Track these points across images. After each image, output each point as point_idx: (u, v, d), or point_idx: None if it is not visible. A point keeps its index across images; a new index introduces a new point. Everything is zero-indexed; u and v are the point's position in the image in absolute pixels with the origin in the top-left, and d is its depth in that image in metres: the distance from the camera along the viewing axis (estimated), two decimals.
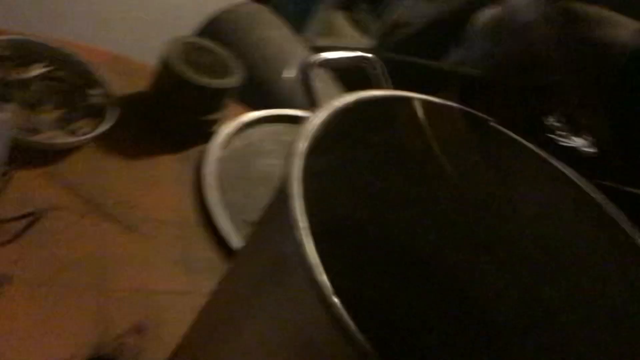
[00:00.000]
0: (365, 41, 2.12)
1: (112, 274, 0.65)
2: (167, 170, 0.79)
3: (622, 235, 0.47)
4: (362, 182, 0.53)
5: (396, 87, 0.51)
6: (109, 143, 0.77)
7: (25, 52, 0.78)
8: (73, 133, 0.74)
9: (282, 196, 0.36)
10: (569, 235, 0.50)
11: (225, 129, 0.84)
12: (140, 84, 0.86)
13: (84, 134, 0.74)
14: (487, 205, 0.52)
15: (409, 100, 0.49)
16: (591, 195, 0.48)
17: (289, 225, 0.34)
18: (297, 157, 0.37)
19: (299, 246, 0.33)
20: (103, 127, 0.75)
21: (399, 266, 0.57)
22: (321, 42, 1.96)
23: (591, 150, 0.70)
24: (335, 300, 0.31)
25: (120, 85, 0.83)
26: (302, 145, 0.38)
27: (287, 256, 0.36)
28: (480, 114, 0.51)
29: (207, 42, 0.85)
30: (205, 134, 0.84)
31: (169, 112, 0.81)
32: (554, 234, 0.51)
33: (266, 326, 0.39)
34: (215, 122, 0.84)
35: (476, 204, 0.52)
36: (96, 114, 0.77)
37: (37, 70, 0.77)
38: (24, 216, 0.63)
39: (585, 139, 0.70)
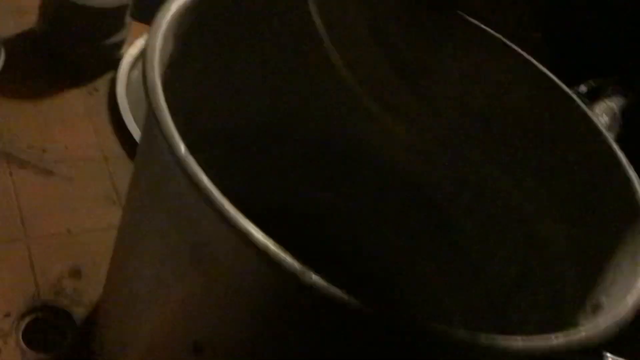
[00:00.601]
0: None
1: (37, 221, 0.61)
2: (77, 105, 0.73)
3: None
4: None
5: None
6: (8, 88, 0.70)
7: None
8: None
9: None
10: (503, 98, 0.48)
11: (131, 51, 0.78)
12: (29, 20, 0.78)
13: None
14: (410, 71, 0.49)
15: None
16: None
17: (152, 117, 0.30)
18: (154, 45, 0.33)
19: (160, 126, 0.29)
20: None
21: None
22: None
23: None
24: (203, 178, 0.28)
25: (7, 26, 0.76)
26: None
27: (158, 160, 0.33)
28: None
29: None
30: (110, 61, 0.78)
31: (65, 43, 0.74)
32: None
33: (156, 244, 0.36)
34: (118, 46, 0.78)
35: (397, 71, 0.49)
36: None
37: None
38: None
39: None
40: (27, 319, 0.55)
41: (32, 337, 0.54)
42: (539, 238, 0.45)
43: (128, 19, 0.77)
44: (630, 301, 0.31)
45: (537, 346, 0.28)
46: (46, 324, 0.55)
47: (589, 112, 0.44)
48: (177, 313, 0.36)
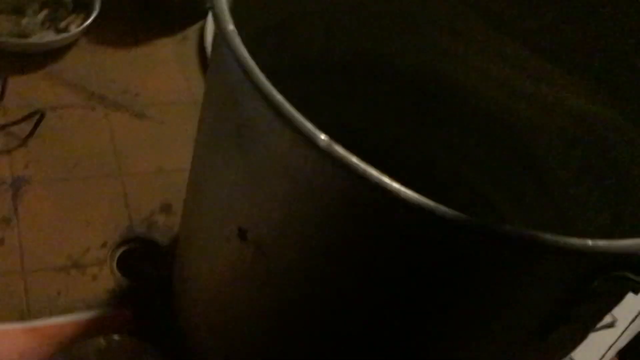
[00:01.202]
0: None
1: (129, 160, 0.64)
2: (167, 52, 0.76)
3: None
4: None
5: None
6: (103, 35, 0.74)
7: None
8: (63, 30, 0.71)
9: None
10: None
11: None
12: None
13: (75, 28, 0.71)
14: None
15: None
16: None
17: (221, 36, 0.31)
18: None
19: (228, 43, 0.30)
20: (91, 18, 0.71)
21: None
22: None
23: None
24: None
25: None
26: None
27: (230, 84, 0.34)
28: None
29: None
30: (200, 11, 0.80)
31: None
32: None
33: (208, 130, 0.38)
34: None
35: None
36: (82, 8, 0.74)
37: None
38: (27, 117, 0.62)
39: None
40: (121, 249, 0.58)
41: (126, 265, 0.57)
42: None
43: None
44: None
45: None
46: (139, 255, 0.58)
47: None
48: (224, 200, 0.38)
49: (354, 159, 0.27)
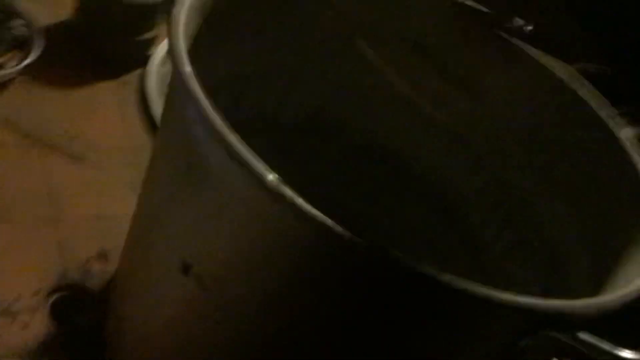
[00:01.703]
0: None
1: (67, 204, 0.63)
2: (107, 96, 0.75)
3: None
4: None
5: None
6: (42, 75, 0.73)
7: None
8: (0, 68, 0.70)
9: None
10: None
11: (163, 48, 0.81)
12: (65, 11, 0.81)
13: (12, 67, 0.69)
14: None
15: None
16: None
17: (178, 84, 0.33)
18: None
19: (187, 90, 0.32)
20: (31, 58, 0.70)
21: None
22: None
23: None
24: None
25: (44, 15, 0.78)
26: None
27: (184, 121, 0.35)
28: None
29: None
30: (142, 57, 0.80)
31: (100, 36, 0.77)
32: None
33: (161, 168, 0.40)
34: (150, 43, 0.80)
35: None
36: (22, 46, 0.73)
37: None
38: None
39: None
40: (54, 296, 0.56)
41: (58, 313, 0.55)
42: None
43: (160, 17, 0.80)
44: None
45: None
46: (72, 302, 0.57)
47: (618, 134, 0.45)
48: (170, 235, 0.40)
49: (299, 199, 0.29)
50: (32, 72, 0.72)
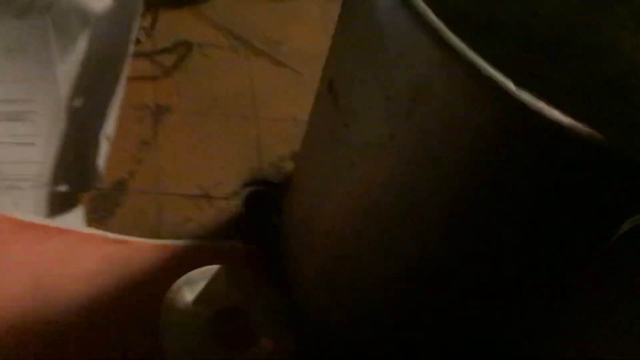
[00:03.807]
0: None
1: (266, 104, 0.64)
2: (312, 8, 0.76)
3: None
4: None
5: None
6: None
7: None
8: None
9: None
10: None
11: None
12: None
13: None
14: None
15: None
16: None
17: None
18: None
19: None
20: None
21: None
22: None
23: None
24: None
25: None
26: None
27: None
28: None
29: None
30: None
31: None
32: None
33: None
34: None
35: None
36: None
37: None
38: (175, 47, 0.63)
39: None
40: (248, 188, 0.58)
41: (251, 204, 0.57)
42: None
43: None
44: None
45: None
46: (264, 196, 0.58)
47: None
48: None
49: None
50: None
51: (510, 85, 0.26)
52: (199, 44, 0.67)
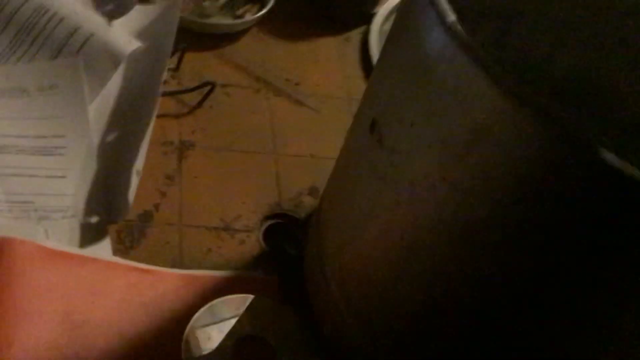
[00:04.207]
0: None
1: (285, 141, 0.67)
2: (329, 50, 0.79)
3: None
4: None
5: None
6: (273, 26, 0.78)
7: None
8: (239, 17, 0.76)
9: None
10: None
11: (384, 8, 0.82)
12: None
13: (249, 18, 0.75)
14: None
15: None
16: None
17: None
18: None
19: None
20: (265, 10, 0.76)
21: None
22: None
23: None
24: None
25: None
26: None
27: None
28: None
29: None
30: (365, 15, 0.82)
31: None
32: None
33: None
34: (375, 1, 0.82)
35: None
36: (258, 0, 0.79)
37: None
38: (198, 87, 0.66)
39: None
40: (268, 222, 0.60)
41: (270, 237, 0.59)
42: None
43: None
44: None
45: None
46: (283, 230, 0.60)
47: None
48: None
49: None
50: (265, 24, 0.78)
51: (590, 134, 0.27)
52: (222, 84, 0.70)
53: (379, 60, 0.45)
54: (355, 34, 0.82)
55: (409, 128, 0.37)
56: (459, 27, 0.30)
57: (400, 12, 0.41)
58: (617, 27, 0.47)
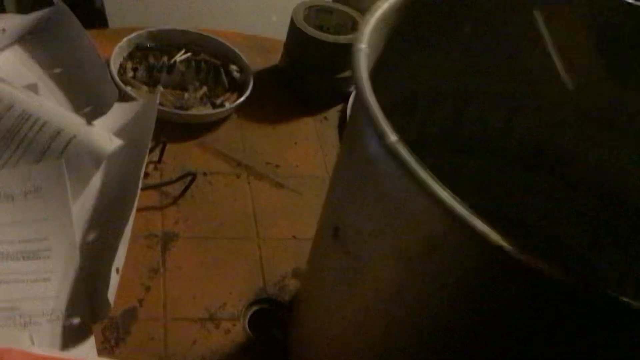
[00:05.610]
0: None
1: (267, 225, 0.68)
2: (308, 130, 0.81)
3: None
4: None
5: None
6: (251, 111, 0.81)
7: (166, 41, 0.84)
8: (219, 106, 0.78)
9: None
10: None
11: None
12: (275, 57, 0.89)
13: (229, 105, 0.78)
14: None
15: None
16: None
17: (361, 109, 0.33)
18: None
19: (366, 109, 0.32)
20: (243, 97, 0.78)
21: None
22: None
23: None
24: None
25: (256, 61, 0.87)
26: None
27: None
28: None
29: (331, 4, 0.86)
30: (341, 94, 0.85)
31: (303, 76, 0.83)
32: None
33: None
34: (348, 81, 0.85)
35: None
36: (236, 88, 0.82)
37: (181, 56, 0.83)
38: (180, 178, 0.68)
39: None
40: (253, 308, 0.61)
41: (256, 323, 0.60)
42: None
43: None
44: None
45: None
46: (269, 315, 0.61)
47: None
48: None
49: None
50: (244, 110, 0.80)
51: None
52: (204, 172, 0.71)
53: (336, 163, 0.46)
54: (333, 112, 0.84)
55: (367, 237, 0.37)
56: (399, 148, 0.30)
57: (349, 122, 0.43)
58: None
